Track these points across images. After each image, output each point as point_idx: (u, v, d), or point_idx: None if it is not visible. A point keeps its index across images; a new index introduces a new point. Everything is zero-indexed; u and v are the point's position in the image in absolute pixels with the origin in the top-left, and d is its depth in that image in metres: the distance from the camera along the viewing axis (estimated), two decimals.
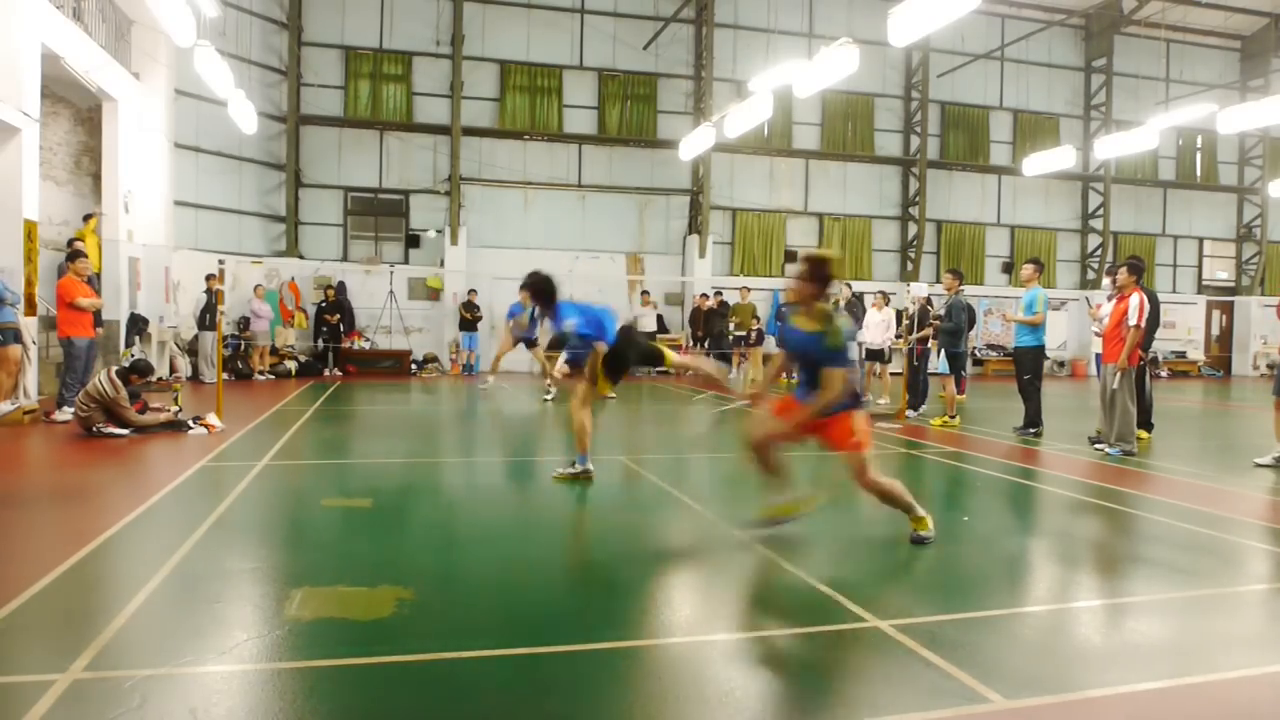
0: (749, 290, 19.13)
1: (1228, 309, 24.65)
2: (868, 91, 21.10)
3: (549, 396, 12.27)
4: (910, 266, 21.50)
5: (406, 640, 3.19)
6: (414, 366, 17.95)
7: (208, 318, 14.45)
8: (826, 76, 11.65)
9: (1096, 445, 8.41)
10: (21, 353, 9.21)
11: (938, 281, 17.26)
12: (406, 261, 18.82)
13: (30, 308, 9.76)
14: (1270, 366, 21.22)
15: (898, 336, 12.62)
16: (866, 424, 4.45)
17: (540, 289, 6.38)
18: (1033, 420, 9.46)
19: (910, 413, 11.02)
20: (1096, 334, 9.53)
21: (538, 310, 13.01)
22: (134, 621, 3.30)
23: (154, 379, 10.58)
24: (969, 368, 14.43)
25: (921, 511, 4.68)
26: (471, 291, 17.80)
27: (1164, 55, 22.87)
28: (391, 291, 18.07)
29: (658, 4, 19.66)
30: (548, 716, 2.63)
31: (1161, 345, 21.39)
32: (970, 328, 10.94)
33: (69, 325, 9.42)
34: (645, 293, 19.17)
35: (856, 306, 14.03)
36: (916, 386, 11.42)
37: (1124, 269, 8.31)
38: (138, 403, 8.45)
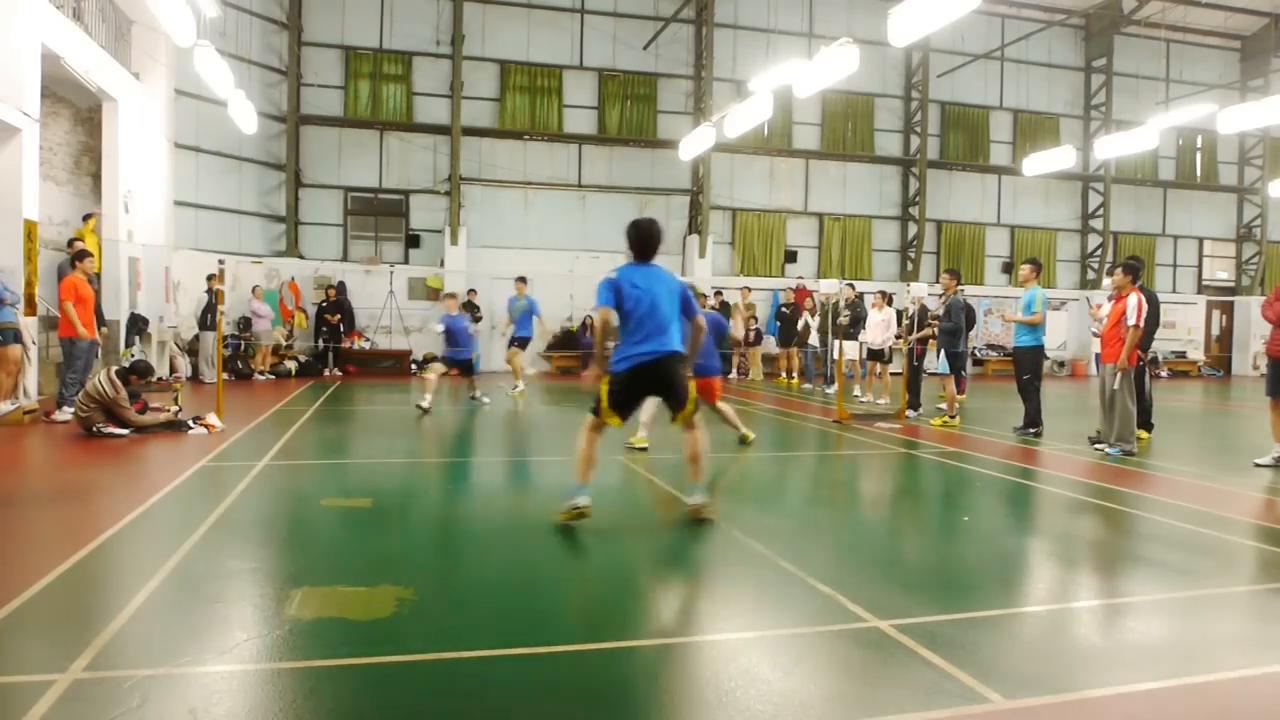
0: (749, 290, 19.17)
1: (1228, 309, 24.65)
2: (868, 91, 21.10)
3: (515, 389, 12.76)
4: (910, 266, 21.50)
5: (406, 640, 3.19)
6: (414, 366, 17.95)
7: (208, 318, 14.45)
8: (826, 76, 11.64)
9: (1096, 445, 8.41)
10: (21, 353, 9.21)
11: (937, 281, 17.26)
12: (406, 261, 18.82)
13: (30, 308, 9.76)
14: None
15: (897, 337, 12.63)
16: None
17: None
18: (1033, 420, 9.46)
19: (910, 413, 11.02)
20: (1095, 334, 9.53)
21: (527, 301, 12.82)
22: (134, 621, 3.30)
23: (154, 379, 10.58)
24: (969, 368, 14.43)
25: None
26: (471, 291, 17.79)
27: (1164, 55, 22.87)
28: (391, 291, 18.08)
29: (658, 4, 19.66)
30: (548, 716, 2.63)
31: (1161, 345, 21.38)
32: (970, 328, 10.93)
33: (70, 325, 9.41)
34: None
35: (859, 306, 14.05)
36: (917, 387, 11.43)
37: (1120, 270, 8.34)
38: (138, 403, 8.45)
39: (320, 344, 17.34)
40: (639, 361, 4.77)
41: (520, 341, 13.18)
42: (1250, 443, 9.00)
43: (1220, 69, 23.83)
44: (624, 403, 4.91)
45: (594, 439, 4.99)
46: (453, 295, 12.62)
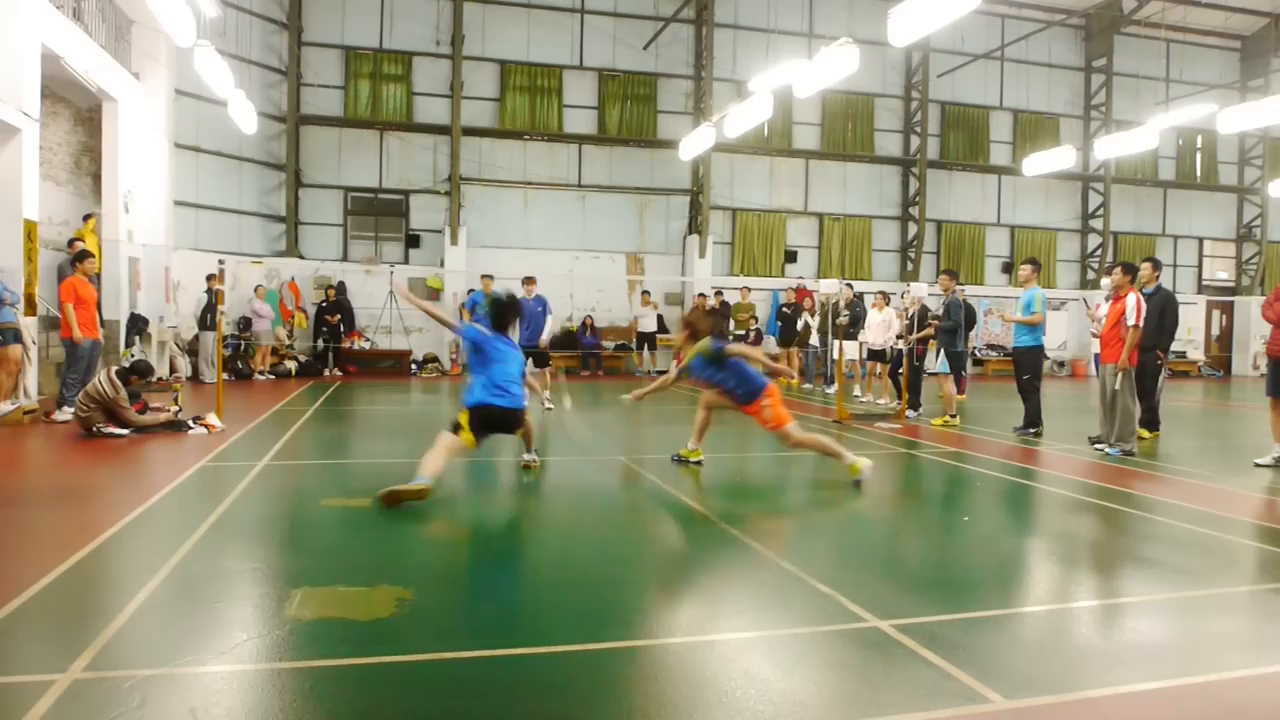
0: (749, 290, 19.17)
1: (1228, 309, 24.65)
2: (868, 91, 21.10)
3: (549, 406, 11.35)
4: (910, 266, 21.50)
5: (406, 640, 3.19)
6: (414, 366, 17.96)
7: (208, 318, 14.45)
8: (826, 76, 11.64)
9: (1096, 445, 8.42)
10: (22, 353, 9.21)
11: (936, 281, 17.25)
12: (406, 261, 18.82)
13: (30, 308, 9.76)
14: None
15: (899, 337, 12.61)
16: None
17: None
18: (1032, 420, 9.47)
19: (910, 413, 11.02)
20: (1095, 335, 9.54)
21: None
22: (134, 621, 3.29)
23: (154, 379, 10.58)
24: (969, 368, 14.42)
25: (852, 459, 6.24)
26: (471, 291, 17.79)
27: (1164, 55, 22.87)
28: (391, 292, 18.07)
29: (658, 4, 19.66)
30: (548, 716, 2.63)
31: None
32: (970, 328, 10.92)
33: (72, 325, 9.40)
34: (645, 293, 19.16)
35: (858, 306, 14.05)
36: (917, 387, 11.43)
37: (1119, 269, 8.35)
38: (138, 403, 8.44)
39: (320, 344, 17.35)
40: None
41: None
42: (1250, 443, 9.00)
43: (1220, 69, 23.83)
44: None
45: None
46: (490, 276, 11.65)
